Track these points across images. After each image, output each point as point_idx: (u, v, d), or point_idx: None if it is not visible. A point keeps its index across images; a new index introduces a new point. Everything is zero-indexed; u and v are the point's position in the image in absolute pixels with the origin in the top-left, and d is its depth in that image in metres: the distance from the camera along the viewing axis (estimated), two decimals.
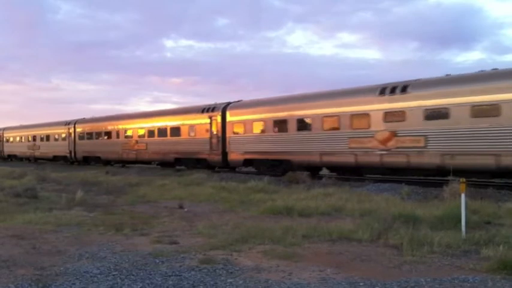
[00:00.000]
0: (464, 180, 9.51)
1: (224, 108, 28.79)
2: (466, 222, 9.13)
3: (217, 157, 28.66)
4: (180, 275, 6.75)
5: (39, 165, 39.77)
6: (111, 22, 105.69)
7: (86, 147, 42.95)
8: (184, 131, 31.39)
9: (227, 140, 28.02)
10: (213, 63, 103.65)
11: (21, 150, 54.54)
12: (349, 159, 21.37)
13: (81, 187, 18.68)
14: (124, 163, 38.02)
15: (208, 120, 29.35)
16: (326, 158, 22.60)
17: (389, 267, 7.23)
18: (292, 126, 24.25)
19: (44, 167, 36.32)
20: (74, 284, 6.44)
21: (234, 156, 27.69)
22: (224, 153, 28.12)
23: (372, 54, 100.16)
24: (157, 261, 7.60)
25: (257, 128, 26.50)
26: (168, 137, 32.74)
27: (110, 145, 39.32)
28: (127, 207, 14.32)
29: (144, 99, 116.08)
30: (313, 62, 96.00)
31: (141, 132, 35.99)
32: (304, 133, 23.64)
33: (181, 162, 31.62)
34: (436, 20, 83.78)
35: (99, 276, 6.77)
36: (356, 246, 8.63)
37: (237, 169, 29.29)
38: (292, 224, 10.44)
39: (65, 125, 46.08)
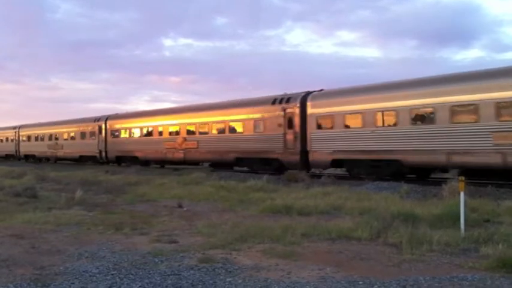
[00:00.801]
0: (463, 178, 9.52)
1: (303, 98, 24.23)
2: (465, 221, 9.14)
3: (293, 157, 24.10)
4: (179, 274, 6.75)
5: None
6: (110, 21, 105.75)
7: (120, 146, 38.21)
8: (248, 126, 26.87)
9: (308, 136, 23.51)
10: (212, 62, 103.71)
11: (40, 150, 49.93)
12: (494, 159, 17.13)
13: (81, 186, 18.65)
14: (168, 164, 33.79)
15: (281, 113, 24.69)
16: (457, 158, 18.23)
17: (389, 265, 7.23)
18: (404, 118, 19.91)
19: (43, 166, 36.34)
20: (73, 283, 6.44)
21: (317, 155, 23.18)
22: (303, 153, 23.50)
23: (371, 52, 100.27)
24: (157, 260, 7.60)
25: (352, 122, 22.11)
26: (227, 134, 28.32)
27: (150, 143, 34.79)
28: (126, 207, 14.32)
29: (143, 98, 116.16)
30: (312, 61, 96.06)
31: (191, 128, 31.45)
32: (422, 127, 19.45)
33: (244, 163, 27.74)
34: (434, 18, 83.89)
35: (98, 275, 6.77)
36: (355, 245, 8.63)
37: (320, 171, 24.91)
38: (291, 222, 10.45)
39: (94, 121, 41.61)
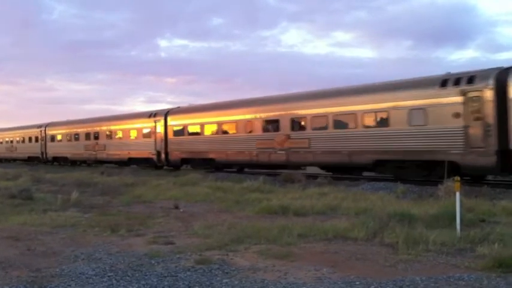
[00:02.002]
0: (458, 178, 9.54)
1: (502, 75, 17.58)
2: (461, 221, 9.16)
3: (483, 159, 17.43)
4: (175, 276, 6.74)
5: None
6: (106, 22, 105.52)
7: (186, 146, 31.14)
8: (398, 118, 20.06)
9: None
10: (208, 63, 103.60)
11: (74, 151, 43.19)
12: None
13: (76, 188, 18.63)
14: (259, 167, 27.14)
15: (458, 99, 18.20)
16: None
17: (385, 265, 7.24)
18: None
19: (38, 168, 36.20)
20: (70, 285, 6.42)
21: None
22: (502, 153, 17.13)
23: (366, 52, 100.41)
24: (153, 261, 7.58)
25: None
26: (360, 129, 21.30)
27: (232, 142, 27.68)
28: (122, 208, 14.29)
29: (138, 99, 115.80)
30: (308, 61, 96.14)
31: (300, 121, 24.18)
32: None
33: (388, 167, 20.71)
34: (430, 18, 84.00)
35: (94, 277, 6.76)
36: (352, 245, 8.64)
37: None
38: (287, 223, 10.44)
39: (149, 116, 34.27)
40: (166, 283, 6.43)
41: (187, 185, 20.23)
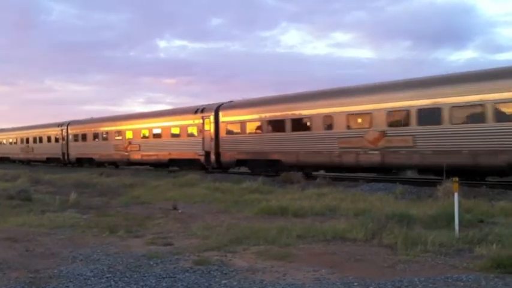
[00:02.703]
0: (457, 179, 9.55)
1: None
2: (460, 221, 9.16)
3: None
4: (174, 277, 6.74)
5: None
6: (104, 23, 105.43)
7: (243, 146, 26.91)
8: None
9: None
10: (207, 63, 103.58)
11: (102, 152, 38.86)
12: None
13: (75, 189, 18.62)
14: (341, 170, 23.38)
15: None
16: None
17: (384, 266, 7.24)
18: None
19: (37, 169, 36.12)
20: (68, 286, 6.41)
21: None
22: None
23: (365, 53, 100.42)
24: (152, 262, 7.57)
25: None
26: (491, 123, 17.16)
27: (306, 141, 23.44)
28: (121, 209, 14.28)
29: (137, 100, 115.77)
30: (307, 62, 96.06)
31: (404, 116, 19.73)
32: None
33: None
34: (429, 18, 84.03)
35: (92, 278, 6.75)
36: (350, 246, 8.64)
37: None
38: (286, 224, 10.44)
39: (196, 112, 30.32)
40: (164, 284, 6.42)
41: (186, 186, 20.23)
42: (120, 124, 37.79)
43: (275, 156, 24.99)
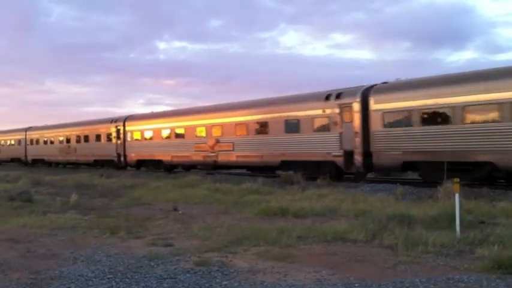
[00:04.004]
0: (458, 180, 9.55)
1: None
2: (461, 222, 9.16)
3: None
4: (175, 278, 6.74)
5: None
6: (103, 24, 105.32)
7: (411, 143, 19.19)
8: None
9: None
10: (206, 65, 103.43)
11: (175, 152, 31.10)
12: None
13: (76, 190, 18.60)
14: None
15: None
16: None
17: (385, 267, 7.24)
18: None
19: (38, 170, 36.06)
20: (69, 287, 6.43)
21: None
22: None
23: (364, 54, 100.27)
24: (153, 263, 7.58)
25: None
26: None
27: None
28: (122, 210, 14.29)
29: (137, 102, 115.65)
30: (306, 63, 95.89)
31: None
32: None
33: None
34: (428, 19, 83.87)
35: (94, 279, 6.75)
36: (351, 247, 8.64)
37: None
38: (287, 225, 10.44)
39: (327, 99, 22.54)
40: (165, 285, 6.43)
41: (186, 187, 20.23)
42: (203, 118, 29.83)
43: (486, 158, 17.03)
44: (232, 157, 27.18)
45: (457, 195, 9.30)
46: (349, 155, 21.19)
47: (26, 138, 50.92)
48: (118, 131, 36.62)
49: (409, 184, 18.08)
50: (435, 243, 8.28)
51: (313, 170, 22.29)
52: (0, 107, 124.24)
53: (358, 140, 20.80)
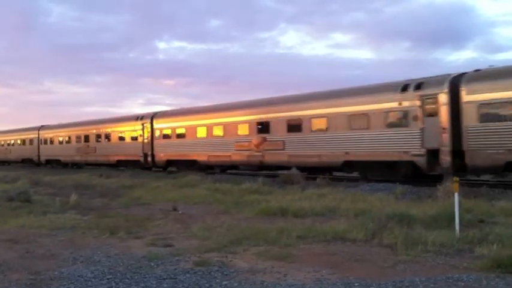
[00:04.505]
0: (457, 179, 9.55)
1: None
2: (460, 221, 9.16)
3: None
4: (175, 278, 6.74)
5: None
6: (103, 24, 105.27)
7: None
8: None
9: None
10: (206, 65, 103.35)
11: (213, 151, 28.10)
12: None
13: (75, 190, 18.58)
14: None
15: None
16: None
17: (384, 266, 7.24)
18: None
19: (37, 171, 35.93)
20: (69, 287, 6.42)
21: None
22: None
23: (364, 54, 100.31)
24: (152, 264, 7.57)
25: None
26: None
27: None
28: (121, 210, 14.28)
29: (137, 102, 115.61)
30: (306, 62, 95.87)
31: None
32: None
33: None
34: (428, 19, 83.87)
35: (93, 280, 6.75)
36: (351, 246, 8.64)
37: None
38: (286, 225, 10.44)
39: (404, 90, 19.66)
40: (165, 285, 6.42)
41: (185, 187, 20.22)
42: (245, 114, 26.87)
43: None
44: (283, 157, 24.13)
45: (456, 195, 9.30)
46: (432, 154, 18.50)
47: (39, 137, 48.03)
48: (144, 129, 33.43)
49: (408, 183, 18.08)
50: (435, 242, 8.29)
51: (385, 171, 20.16)
52: (0, 107, 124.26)
53: (446, 137, 18.05)
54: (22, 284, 6.58)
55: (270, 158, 24.86)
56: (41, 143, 47.59)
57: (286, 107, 24.69)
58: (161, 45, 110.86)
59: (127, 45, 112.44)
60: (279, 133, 24.49)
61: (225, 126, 27.74)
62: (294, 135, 23.70)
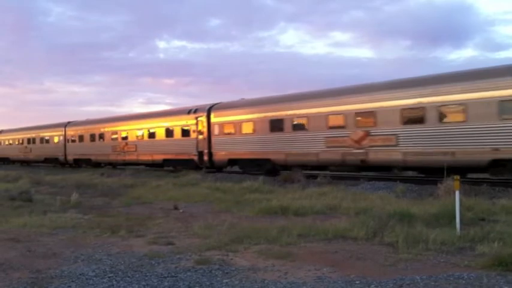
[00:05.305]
0: (458, 177, 9.55)
1: None
2: (461, 219, 9.17)
3: None
4: (176, 276, 6.75)
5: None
6: (103, 24, 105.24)
7: None
8: None
9: None
10: (206, 64, 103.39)
11: (296, 149, 23.35)
12: None
13: (76, 189, 18.60)
14: None
15: None
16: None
17: (385, 265, 7.25)
18: None
19: (38, 170, 35.92)
20: (70, 286, 6.43)
21: None
22: None
23: (364, 53, 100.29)
24: (153, 262, 7.59)
25: None
26: None
27: None
28: (122, 209, 14.29)
29: (137, 101, 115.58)
30: (306, 61, 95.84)
31: None
32: None
33: None
34: (427, 17, 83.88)
35: (94, 278, 6.76)
36: (351, 245, 8.65)
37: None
38: (287, 223, 10.46)
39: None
40: (166, 283, 6.43)
41: (186, 186, 20.25)
42: (339, 103, 21.98)
43: None
44: (395, 154, 19.66)
45: (457, 193, 9.31)
46: None
47: (65, 134, 43.92)
48: (199, 124, 29.19)
49: (409, 182, 18.08)
50: (436, 240, 8.29)
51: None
52: (0, 107, 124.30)
53: None
54: (24, 283, 6.58)
55: (376, 156, 20.20)
56: (68, 141, 43.78)
57: (401, 92, 19.85)
58: (161, 44, 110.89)
59: (127, 45, 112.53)
60: (389, 125, 19.95)
61: (310, 118, 22.90)
62: (413, 128, 19.21)
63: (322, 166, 23.13)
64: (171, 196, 16.90)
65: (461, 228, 8.98)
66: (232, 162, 27.47)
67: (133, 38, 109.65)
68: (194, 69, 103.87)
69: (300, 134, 23.35)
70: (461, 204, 9.42)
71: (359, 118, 21.00)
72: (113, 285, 6.45)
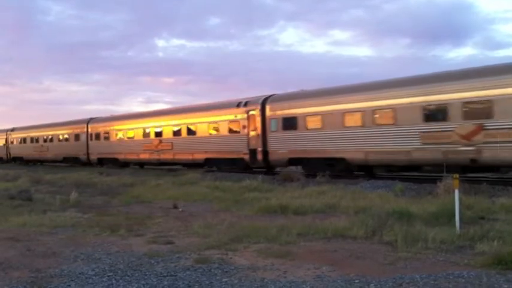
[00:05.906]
0: (457, 175, 9.55)
1: None
2: (460, 218, 9.17)
3: None
4: (175, 275, 6.75)
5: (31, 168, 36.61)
6: (102, 23, 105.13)
7: None
8: None
9: None
10: (205, 63, 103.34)
11: (382, 146, 20.10)
12: None
13: (75, 188, 18.59)
14: None
15: None
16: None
17: (384, 263, 7.25)
18: None
19: (38, 169, 35.89)
20: (69, 285, 6.42)
21: None
22: None
23: (364, 51, 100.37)
24: (153, 261, 7.58)
25: None
26: None
27: None
28: (122, 208, 14.28)
29: (136, 100, 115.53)
30: (305, 60, 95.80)
31: None
32: None
33: None
34: (427, 16, 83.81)
35: (94, 277, 6.76)
36: (351, 244, 8.65)
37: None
38: (286, 222, 10.46)
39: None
40: (166, 283, 6.43)
41: (186, 185, 20.23)
42: (437, 91, 18.46)
43: None
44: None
45: (456, 191, 9.30)
46: None
47: (87, 131, 41.06)
48: (251, 118, 26.12)
49: (408, 180, 18.09)
50: (435, 239, 8.29)
51: None
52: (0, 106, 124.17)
53: None
54: (23, 282, 6.58)
55: (492, 154, 16.77)
56: (91, 139, 40.63)
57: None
58: (160, 43, 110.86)
59: (126, 44, 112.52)
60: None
61: (397, 110, 19.49)
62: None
63: (414, 166, 20.42)
64: (170, 195, 16.89)
65: (460, 227, 8.98)
66: (293, 161, 24.33)
67: (133, 36, 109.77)
68: (193, 68, 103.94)
69: (384, 128, 20.00)
70: (460, 203, 9.41)
71: (466, 109, 17.55)
72: (112, 284, 6.45)
